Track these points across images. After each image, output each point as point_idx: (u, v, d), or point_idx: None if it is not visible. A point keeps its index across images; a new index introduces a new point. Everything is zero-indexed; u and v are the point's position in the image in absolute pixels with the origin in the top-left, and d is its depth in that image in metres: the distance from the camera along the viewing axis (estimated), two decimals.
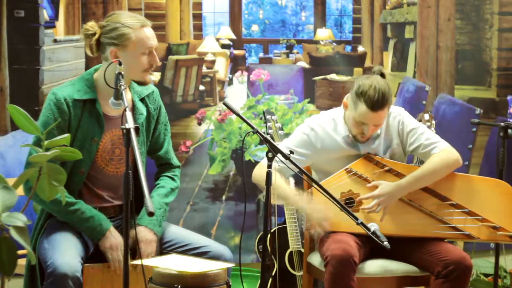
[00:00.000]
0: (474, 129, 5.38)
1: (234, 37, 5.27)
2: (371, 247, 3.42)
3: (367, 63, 5.39)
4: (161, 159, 3.43)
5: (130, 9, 4.89)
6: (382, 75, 3.51)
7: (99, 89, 3.21)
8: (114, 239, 3.14)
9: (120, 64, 2.96)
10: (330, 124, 3.57)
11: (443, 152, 3.50)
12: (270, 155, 2.94)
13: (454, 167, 3.52)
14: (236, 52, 5.25)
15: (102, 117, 3.18)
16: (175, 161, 3.46)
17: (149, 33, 3.18)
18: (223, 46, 5.21)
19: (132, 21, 3.16)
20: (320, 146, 3.55)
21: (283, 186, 3.46)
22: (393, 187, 3.45)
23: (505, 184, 3.59)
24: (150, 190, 3.13)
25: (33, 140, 3.08)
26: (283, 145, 3.56)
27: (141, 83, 3.26)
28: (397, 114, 3.58)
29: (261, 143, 5.05)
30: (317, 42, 5.39)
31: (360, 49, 5.42)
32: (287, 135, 3.88)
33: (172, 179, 3.42)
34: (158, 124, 3.38)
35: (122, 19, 3.15)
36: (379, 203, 3.43)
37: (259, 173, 3.46)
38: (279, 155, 2.94)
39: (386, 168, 3.52)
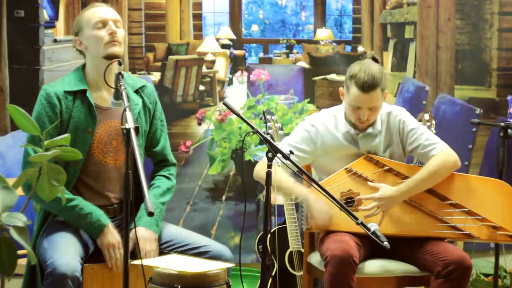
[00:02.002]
0: (474, 129, 5.38)
1: (234, 37, 5.27)
2: (371, 247, 3.42)
3: None
4: (158, 156, 3.42)
5: (130, 9, 4.89)
6: (375, 59, 3.52)
7: (89, 82, 3.25)
8: (112, 237, 3.14)
9: (120, 64, 2.96)
10: (331, 121, 3.58)
11: (442, 154, 3.50)
12: (270, 155, 2.94)
13: (453, 169, 3.52)
14: (236, 52, 5.25)
15: (93, 107, 3.19)
16: (171, 158, 3.46)
17: (98, 9, 3.24)
18: (223, 46, 5.21)
19: (88, 6, 3.28)
20: (321, 143, 3.56)
21: (285, 179, 3.45)
22: (393, 191, 3.44)
23: (505, 184, 3.59)
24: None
25: (27, 139, 3.10)
26: (284, 142, 3.57)
27: (111, 57, 3.19)
28: (398, 113, 3.58)
29: (261, 143, 5.05)
30: (317, 42, 5.39)
31: (360, 49, 5.42)
32: (287, 135, 3.87)
33: (168, 178, 3.41)
34: (155, 120, 3.38)
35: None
36: (379, 206, 3.43)
37: (261, 170, 3.46)
38: (279, 155, 2.94)
39: (386, 167, 3.52)
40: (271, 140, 2.96)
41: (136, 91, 3.32)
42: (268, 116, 4.23)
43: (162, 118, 3.43)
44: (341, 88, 3.54)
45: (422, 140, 3.53)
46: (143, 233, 3.18)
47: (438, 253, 3.38)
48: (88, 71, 3.26)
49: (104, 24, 3.20)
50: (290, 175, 3.52)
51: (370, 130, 3.54)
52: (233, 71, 5.22)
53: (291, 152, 2.98)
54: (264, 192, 2.94)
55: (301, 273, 4.20)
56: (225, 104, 3.00)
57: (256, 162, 4.98)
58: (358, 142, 3.55)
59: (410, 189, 3.46)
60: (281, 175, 3.42)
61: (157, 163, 3.45)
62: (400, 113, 3.59)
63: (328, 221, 3.40)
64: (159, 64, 5.04)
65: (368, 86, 3.38)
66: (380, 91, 3.43)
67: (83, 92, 3.20)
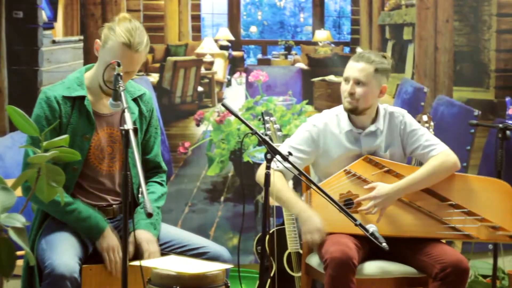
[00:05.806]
0: (472, 131, 5.39)
1: (232, 38, 5.28)
2: (369, 248, 3.42)
3: None
4: (150, 163, 3.41)
5: (128, 11, 4.89)
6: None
7: (89, 87, 3.22)
8: (111, 240, 3.14)
9: (118, 65, 2.96)
10: (333, 120, 3.60)
11: (442, 155, 3.51)
12: (268, 156, 2.94)
13: (452, 170, 3.53)
14: (235, 53, 5.26)
15: (91, 114, 3.19)
16: (163, 164, 3.46)
17: (124, 54, 3.08)
18: (222, 47, 5.21)
19: (122, 33, 3.10)
20: (323, 142, 3.57)
21: (284, 191, 3.46)
22: (390, 188, 3.45)
23: (504, 183, 3.59)
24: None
25: (27, 141, 3.10)
26: (286, 144, 3.58)
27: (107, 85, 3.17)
28: (399, 114, 3.61)
29: (259, 144, 5.05)
30: (315, 44, 5.39)
31: (359, 50, 5.42)
32: (285, 136, 3.88)
33: (161, 184, 3.41)
34: (150, 127, 3.38)
35: (118, 26, 3.12)
36: (376, 205, 3.44)
37: (263, 174, 3.47)
38: (277, 156, 2.94)
39: (385, 169, 3.52)
40: (270, 141, 2.96)
41: (134, 99, 3.32)
42: (266, 117, 4.23)
43: (157, 125, 3.43)
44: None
45: (422, 141, 3.55)
46: (143, 235, 3.18)
47: (435, 255, 3.39)
48: (92, 75, 3.23)
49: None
50: (290, 179, 3.53)
51: (372, 128, 3.56)
52: (231, 72, 5.22)
53: (290, 154, 2.98)
54: (263, 193, 2.95)
55: (299, 274, 4.20)
56: (223, 105, 3.00)
57: (254, 163, 4.99)
58: (360, 141, 3.55)
59: (407, 186, 3.47)
60: (281, 186, 3.44)
61: (149, 170, 3.44)
62: (402, 114, 3.61)
63: (320, 238, 3.39)
64: (157, 65, 5.04)
65: (361, 56, 3.54)
66: (373, 70, 3.49)
67: (82, 98, 3.19)
